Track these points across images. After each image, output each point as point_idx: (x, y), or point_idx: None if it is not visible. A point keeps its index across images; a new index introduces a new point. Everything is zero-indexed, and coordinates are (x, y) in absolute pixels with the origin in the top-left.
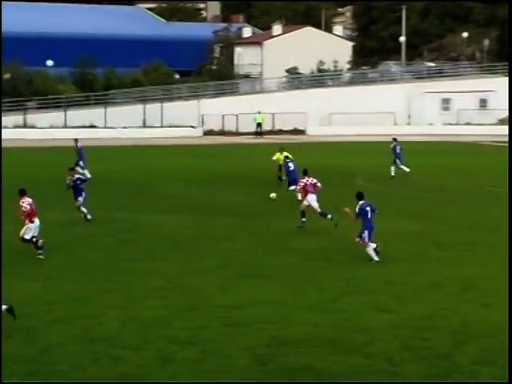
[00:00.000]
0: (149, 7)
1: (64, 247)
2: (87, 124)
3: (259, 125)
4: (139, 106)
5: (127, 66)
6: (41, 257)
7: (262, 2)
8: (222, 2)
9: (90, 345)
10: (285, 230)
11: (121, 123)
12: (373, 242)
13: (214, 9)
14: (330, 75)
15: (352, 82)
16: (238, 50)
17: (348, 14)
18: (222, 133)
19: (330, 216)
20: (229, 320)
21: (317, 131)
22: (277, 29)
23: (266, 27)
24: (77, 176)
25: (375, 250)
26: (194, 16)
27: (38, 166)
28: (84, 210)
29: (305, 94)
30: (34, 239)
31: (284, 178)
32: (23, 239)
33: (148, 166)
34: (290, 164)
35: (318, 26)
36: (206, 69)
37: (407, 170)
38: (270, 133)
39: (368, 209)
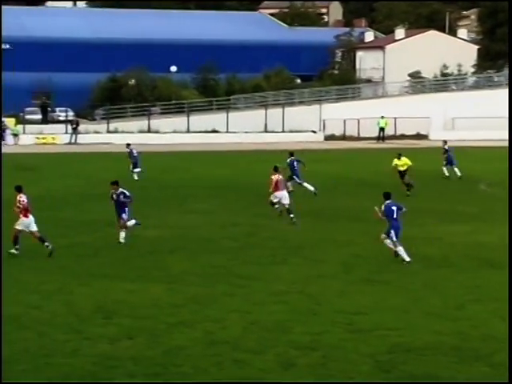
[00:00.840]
0: (271, 13)
1: (186, 251)
2: (209, 129)
3: (382, 129)
4: (261, 111)
5: (249, 71)
6: (13, 251)
7: (385, 7)
8: (344, 6)
9: (212, 348)
10: (407, 236)
11: (242, 128)
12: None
13: (336, 13)
14: (453, 79)
15: (476, 86)
16: (359, 54)
17: (473, 17)
18: (343, 138)
19: (292, 215)
20: (350, 326)
21: (439, 136)
22: (399, 33)
23: (389, 31)
24: (121, 190)
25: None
26: (316, 21)
27: (161, 170)
28: (127, 229)
29: (428, 98)
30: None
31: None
32: (16, 230)
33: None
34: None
35: (441, 29)
36: (328, 73)
37: (459, 173)
38: (392, 138)
39: (394, 208)
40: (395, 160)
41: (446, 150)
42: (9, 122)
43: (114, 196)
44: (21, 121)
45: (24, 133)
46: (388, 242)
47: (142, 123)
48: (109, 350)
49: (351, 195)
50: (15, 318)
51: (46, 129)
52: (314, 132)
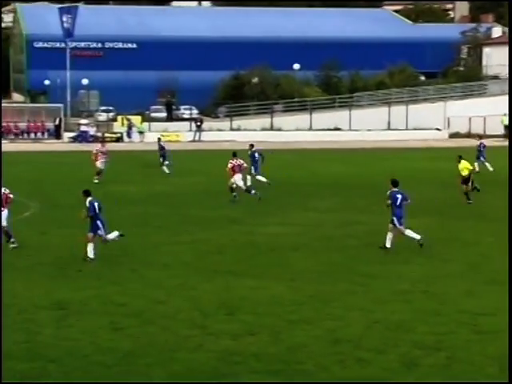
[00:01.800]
0: (395, 9)
1: (308, 248)
2: (332, 127)
3: (506, 127)
4: (384, 109)
5: (372, 68)
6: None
7: None
8: (471, 2)
9: (334, 346)
10: None
11: (365, 126)
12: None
13: (463, 9)
14: None
15: None
16: (486, 50)
17: None
18: (468, 135)
19: (253, 191)
20: (476, 327)
21: None
22: None
23: None
24: (90, 199)
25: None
26: (442, 17)
27: (283, 168)
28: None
29: None
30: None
31: None
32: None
33: (392, 168)
34: None
35: None
36: (453, 70)
37: (491, 168)
38: None
39: (398, 196)
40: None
41: (480, 146)
42: (135, 120)
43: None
44: (146, 119)
45: (149, 130)
46: (391, 227)
47: (265, 121)
48: (232, 345)
49: (478, 194)
50: (140, 313)
51: (170, 126)
52: (438, 130)
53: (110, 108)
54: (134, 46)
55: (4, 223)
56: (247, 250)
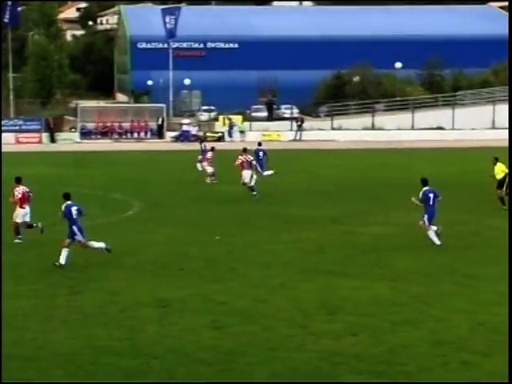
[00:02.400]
0: (501, 6)
1: (410, 249)
2: (434, 126)
3: None
4: (488, 107)
5: (477, 66)
6: (17, 241)
7: None
8: None
9: (437, 347)
10: None
11: (469, 125)
12: (434, 225)
13: None
14: None
15: None
16: None
17: None
18: None
19: (254, 193)
20: None
21: None
22: None
23: None
24: (69, 203)
25: (436, 232)
26: None
27: (384, 167)
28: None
29: None
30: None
31: None
32: (15, 223)
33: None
34: None
35: None
36: None
37: None
38: None
39: (431, 195)
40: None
41: None
42: (236, 119)
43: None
44: (247, 118)
45: (250, 130)
46: (421, 223)
47: (366, 120)
48: (333, 346)
49: None
50: (241, 312)
51: (271, 126)
52: None
53: (212, 107)
54: (236, 45)
55: (19, 220)
56: (348, 249)
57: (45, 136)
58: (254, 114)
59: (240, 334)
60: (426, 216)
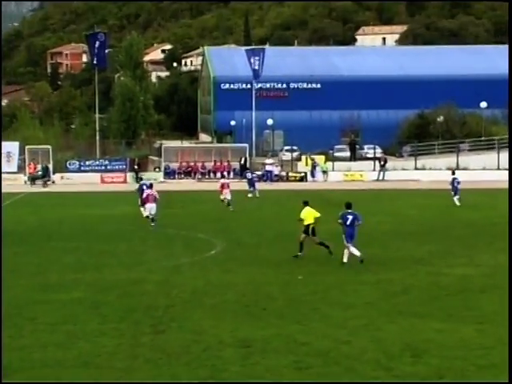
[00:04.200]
0: None
1: (497, 290)
2: None
3: None
4: None
5: None
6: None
7: None
8: None
9: None
10: None
11: None
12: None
13: None
14: None
15: None
16: None
17: None
18: None
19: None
20: None
21: None
22: None
23: None
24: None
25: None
26: None
27: (468, 207)
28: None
29: None
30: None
31: None
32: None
33: None
34: None
35: None
36: None
37: None
38: None
39: (349, 217)
40: None
41: None
42: (319, 159)
43: None
44: (330, 158)
45: (333, 170)
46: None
47: (450, 160)
48: None
49: None
50: (324, 353)
51: (354, 166)
52: None
53: (294, 147)
54: (318, 85)
55: (146, 213)
56: (433, 291)
57: (129, 176)
58: (336, 154)
59: (323, 375)
60: (343, 236)
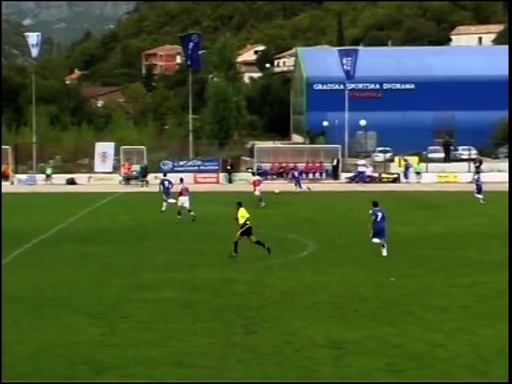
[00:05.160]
0: None
1: None
2: None
3: None
4: None
5: None
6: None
7: None
8: None
9: None
10: None
11: None
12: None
13: None
14: None
15: None
16: None
17: None
18: None
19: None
20: None
21: None
22: None
23: None
24: None
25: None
26: None
27: None
28: None
29: None
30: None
31: None
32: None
33: None
34: None
35: None
36: None
37: None
38: None
39: (379, 214)
40: None
41: None
42: (412, 160)
43: None
44: (423, 159)
45: (426, 171)
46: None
47: None
48: None
49: None
50: (417, 356)
51: (448, 167)
52: None
53: (387, 148)
54: (412, 86)
55: (179, 203)
56: None
57: (222, 176)
58: (430, 155)
59: (416, 378)
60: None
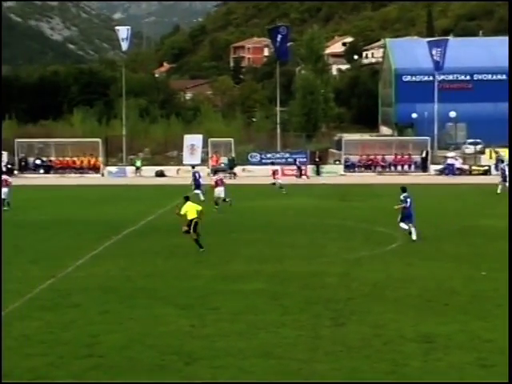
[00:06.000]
0: None
1: None
2: None
3: None
4: None
5: None
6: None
7: None
8: None
9: None
10: None
11: None
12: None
13: None
14: None
15: None
16: None
17: None
18: None
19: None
20: None
21: None
22: None
23: None
24: None
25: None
26: None
27: None
28: None
29: None
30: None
31: None
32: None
33: None
34: None
35: None
36: None
37: None
38: None
39: (409, 200)
40: None
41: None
42: (504, 152)
43: None
44: None
45: None
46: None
47: None
48: None
49: None
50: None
51: None
52: None
53: (478, 140)
54: (504, 77)
55: (216, 195)
56: None
57: (310, 168)
58: None
59: (508, 373)
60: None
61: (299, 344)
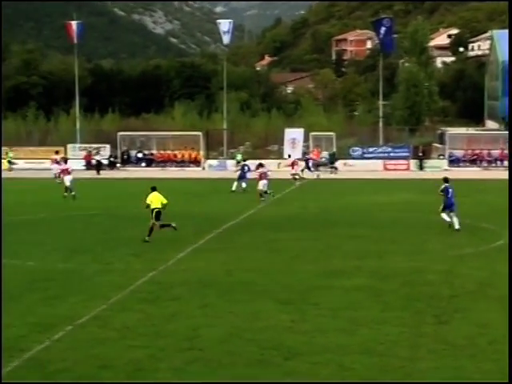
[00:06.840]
0: None
1: None
2: None
3: None
4: None
5: None
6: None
7: None
8: None
9: None
10: None
11: None
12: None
13: None
14: None
15: None
16: None
17: None
18: None
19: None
20: None
21: None
22: None
23: None
24: None
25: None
26: None
27: None
28: None
29: None
30: None
31: None
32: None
33: None
34: None
35: None
36: None
37: None
38: None
39: (450, 190)
40: None
41: None
42: None
43: None
44: None
45: None
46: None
47: None
48: None
49: None
50: None
51: None
52: None
53: None
54: None
55: (260, 187)
56: None
57: (413, 163)
58: None
59: None
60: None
61: (401, 341)
